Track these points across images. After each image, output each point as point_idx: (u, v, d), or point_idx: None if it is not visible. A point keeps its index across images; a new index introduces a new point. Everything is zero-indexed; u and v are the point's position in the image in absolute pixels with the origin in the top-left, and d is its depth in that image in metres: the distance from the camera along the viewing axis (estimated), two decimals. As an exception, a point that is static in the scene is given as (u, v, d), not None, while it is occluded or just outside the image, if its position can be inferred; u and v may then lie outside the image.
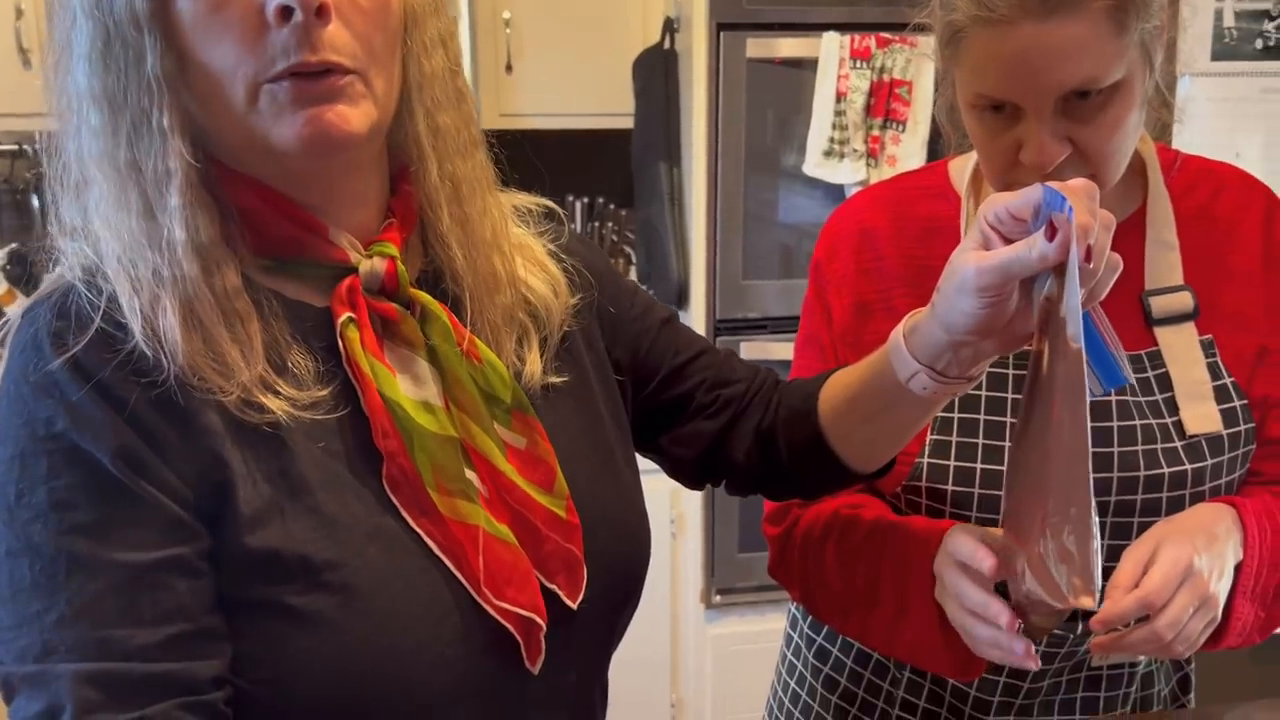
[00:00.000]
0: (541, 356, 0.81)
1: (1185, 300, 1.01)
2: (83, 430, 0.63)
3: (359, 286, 0.73)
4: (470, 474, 0.73)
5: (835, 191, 2.22)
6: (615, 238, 2.60)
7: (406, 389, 0.72)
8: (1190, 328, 1.00)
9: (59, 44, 0.67)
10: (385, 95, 0.70)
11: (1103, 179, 0.90)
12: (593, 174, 2.55)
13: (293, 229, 0.72)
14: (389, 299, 0.74)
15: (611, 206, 2.58)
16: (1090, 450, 0.68)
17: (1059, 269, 0.68)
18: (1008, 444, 0.99)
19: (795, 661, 1.23)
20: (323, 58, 0.65)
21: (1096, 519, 0.69)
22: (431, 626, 0.69)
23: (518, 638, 0.73)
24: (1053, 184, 0.69)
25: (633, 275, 2.47)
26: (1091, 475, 0.68)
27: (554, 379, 0.82)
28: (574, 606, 0.76)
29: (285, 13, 0.63)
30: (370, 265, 0.73)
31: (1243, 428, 1.00)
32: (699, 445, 0.94)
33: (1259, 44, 2.09)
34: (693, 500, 2.34)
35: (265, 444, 0.67)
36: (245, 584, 0.66)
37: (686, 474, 0.98)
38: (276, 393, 0.67)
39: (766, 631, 2.42)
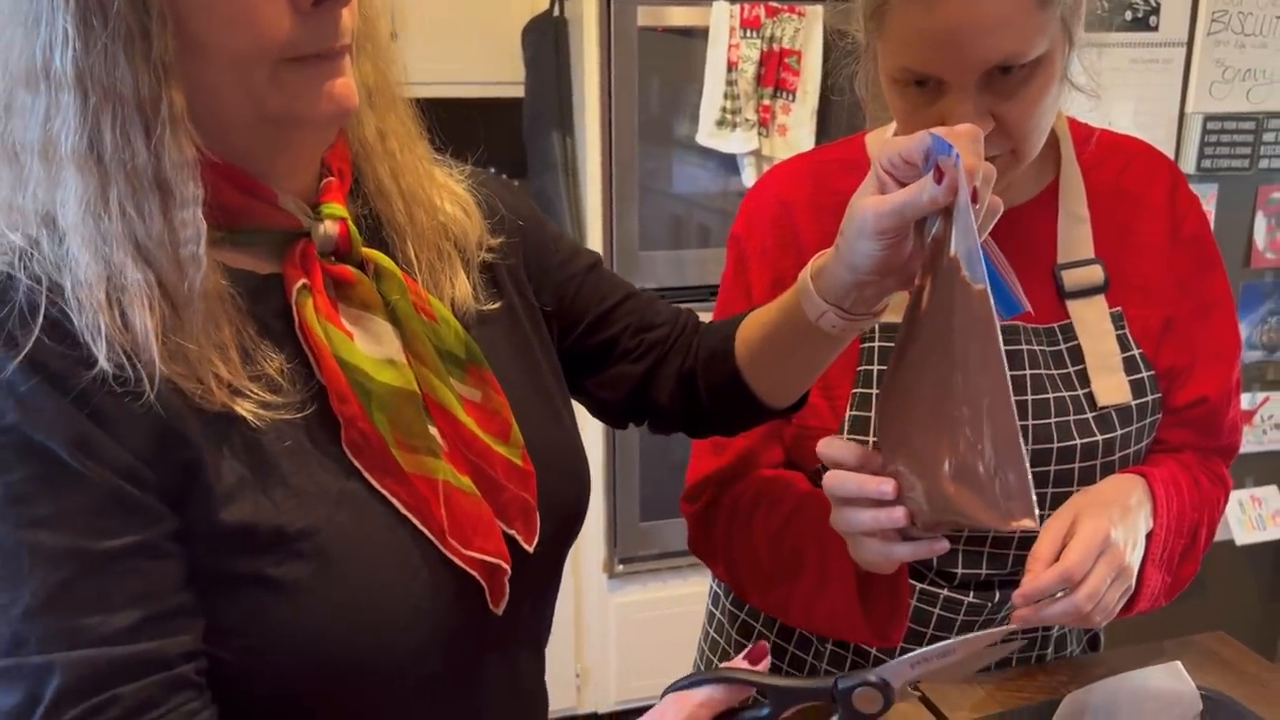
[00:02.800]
0: (468, 279, 0.82)
1: (1096, 273, 1.04)
2: (35, 422, 0.60)
3: (313, 251, 0.72)
4: (432, 429, 0.74)
5: (728, 161, 2.24)
6: (506, 209, 2.57)
7: (366, 348, 0.72)
8: (1101, 300, 1.04)
9: None
10: None
11: (1023, 152, 0.92)
12: (483, 143, 2.50)
13: (241, 198, 0.70)
14: (341, 260, 0.74)
15: (503, 176, 2.53)
16: (1010, 383, 0.70)
17: (947, 210, 0.72)
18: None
19: (718, 638, 1.24)
20: (346, 42, 0.67)
21: (1024, 447, 0.71)
22: (404, 583, 0.71)
23: (483, 583, 0.75)
24: (939, 130, 0.72)
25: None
26: (1014, 406, 0.70)
27: (485, 305, 0.84)
28: (530, 550, 0.79)
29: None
30: (323, 229, 0.73)
31: (1150, 398, 1.04)
32: (624, 388, 0.97)
33: (1128, 15, 2.18)
34: (594, 470, 2.34)
35: (227, 420, 0.66)
36: (221, 558, 0.66)
37: (611, 415, 1.01)
38: (247, 396, 0.66)
39: (669, 598, 2.45)
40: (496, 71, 2.39)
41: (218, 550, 0.66)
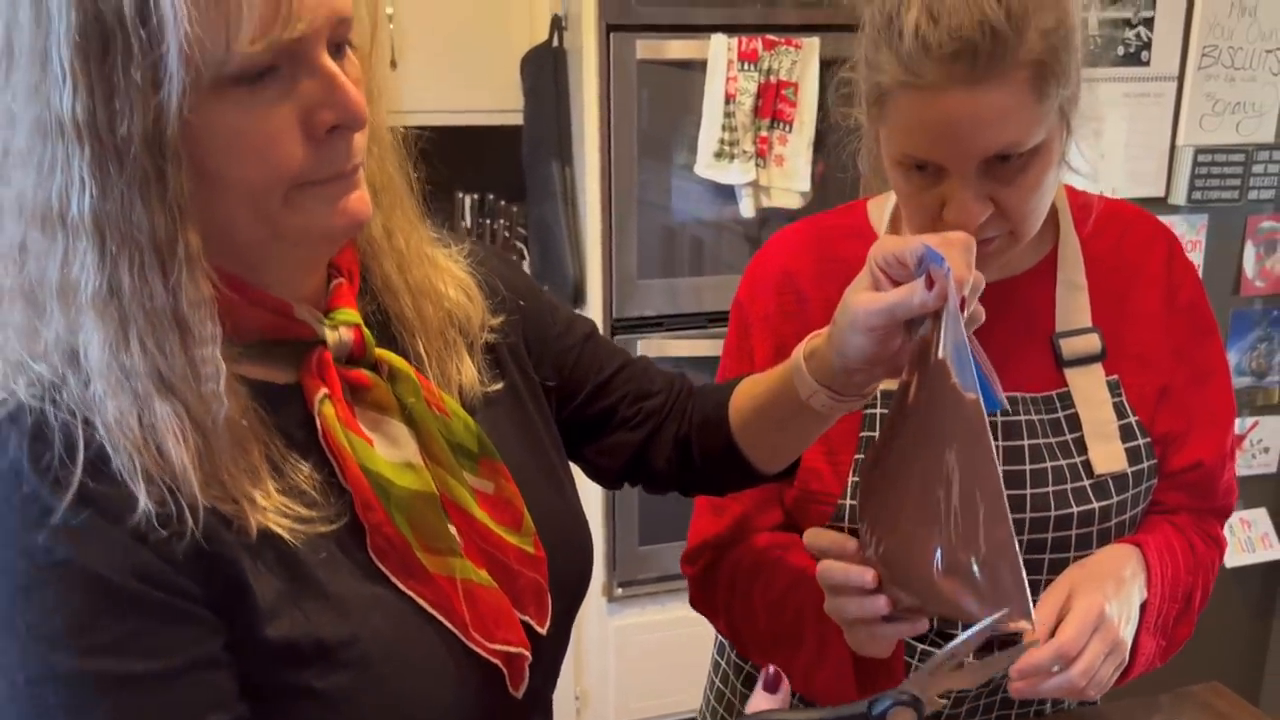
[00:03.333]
0: (473, 362, 0.84)
1: (1093, 342, 1.06)
2: (90, 555, 0.61)
3: (329, 359, 0.73)
4: (450, 527, 0.76)
5: (725, 191, 2.26)
6: (507, 234, 2.58)
7: (384, 452, 0.74)
8: (1098, 369, 1.06)
9: None
10: None
11: (1021, 234, 0.95)
12: (482, 170, 2.52)
13: (261, 314, 0.71)
14: (355, 364, 0.75)
15: (502, 203, 2.55)
16: (1003, 489, 0.74)
17: (936, 313, 0.77)
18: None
19: (724, 689, 1.27)
20: (358, 161, 0.69)
21: (1019, 550, 0.74)
22: (434, 679, 0.73)
23: (504, 671, 0.78)
24: (930, 237, 0.77)
25: (526, 269, 2.46)
26: (1009, 512, 0.74)
27: (490, 387, 0.86)
28: (544, 633, 0.82)
29: (334, 126, 0.65)
30: (338, 337, 0.74)
31: (1146, 464, 1.06)
32: (623, 456, 1.00)
33: (1120, 50, 2.21)
34: (593, 495, 2.36)
35: (264, 537, 0.68)
36: (269, 672, 0.68)
37: (608, 479, 1.04)
38: (283, 514, 0.68)
39: (669, 620, 2.47)
40: (498, 100, 2.41)
41: (265, 666, 0.67)
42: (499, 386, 0.86)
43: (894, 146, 0.93)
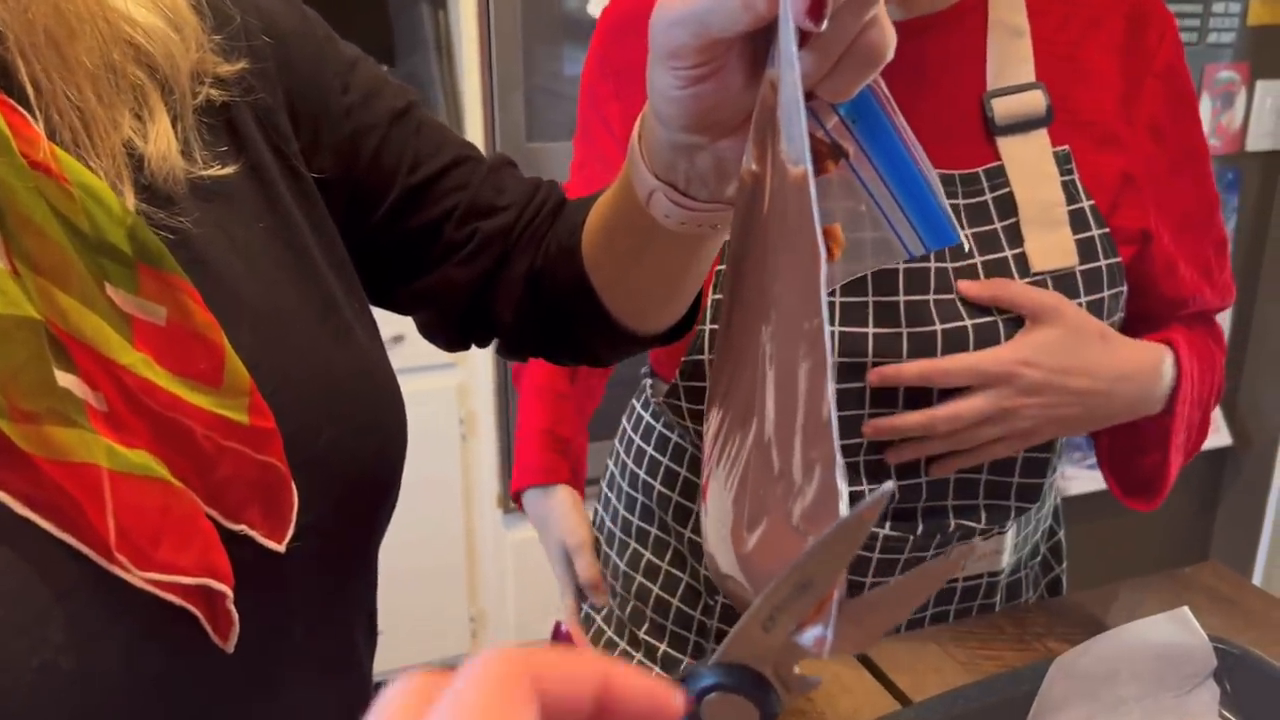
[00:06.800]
0: (176, 130, 0.52)
1: (1036, 101, 0.80)
2: None
3: None
4: (68, 378, 0.44)
5: (625, 37, 1.97)
6: (375, 100, 2.26)
7: None
8: (1042, 136, 0.81)
9: None
10: None
11: None
12: (348, 25, 2.18)
13: None
14: None
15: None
16: (828, 343, 0.34)
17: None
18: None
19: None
20: None
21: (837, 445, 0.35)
22: (28, 633, 0.43)
23: (196, 613, 0.48)
24: None
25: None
26: (830, 387, 0.33)
27: (208, 170, 0.53)
28: (281, 549, 0.51)
29: None
30: None
31: (1103, 263, 0.82)
32: (451, 302, 0.69)
33: None
34: (484, 397, 2.09)
35: None
36: None
37: (440, 335, 0.73)
38: None
39: (571, 532, 2.23)
40: (356, -64, 2.07)
41: None
42: (228, 170, 0.54)
43: None
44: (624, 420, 1.06)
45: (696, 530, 0.93)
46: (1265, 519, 2.47)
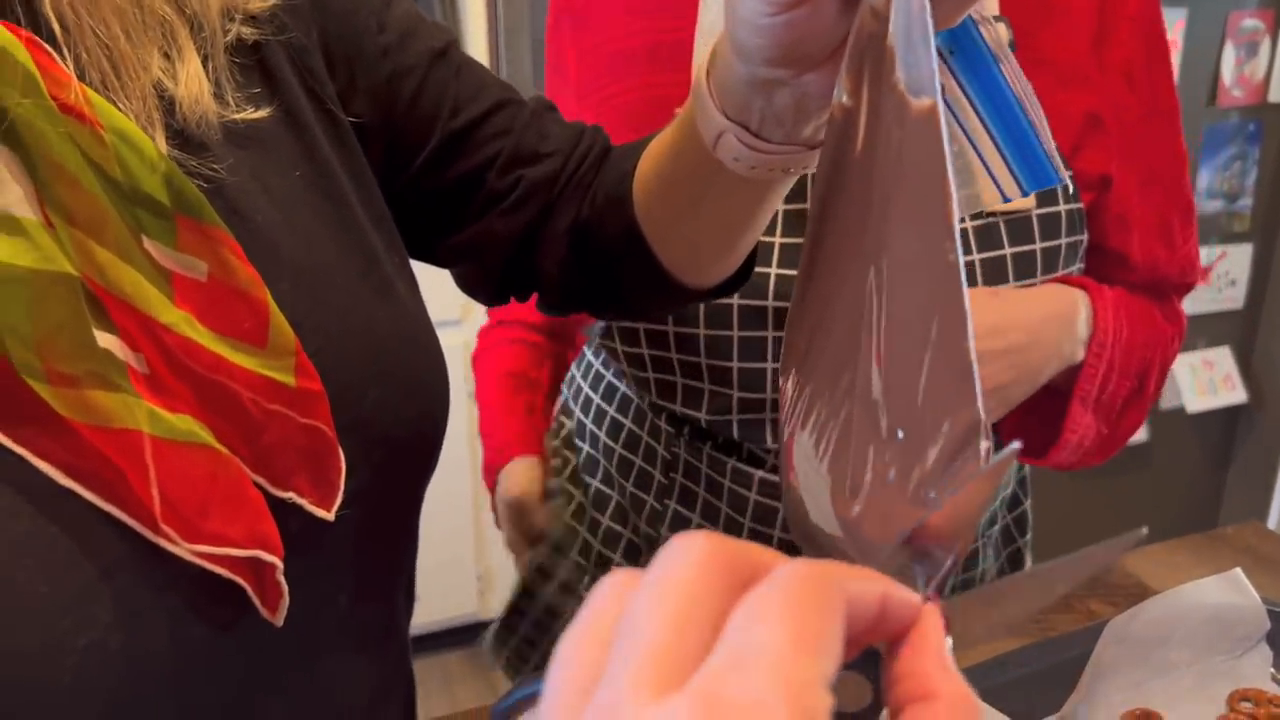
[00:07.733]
0: (208, 71, 0.48)
1: (998, 36, 0.76)
2: None
3: None
4: (108, 338, 0.41)
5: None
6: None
7: None
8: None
9: None
10: None
11: None
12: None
13: None
14: None
15: None
16: (964, 277, 0.33)
17: None
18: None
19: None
20: None
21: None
22: (73, 611, 0.41)
23: (244, 585, 0.45)
24: None
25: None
26: (970, 331, 0.33)
27: (240, 114, 0.49)
28: (330, 517, 0.48)
29: None
30: None
31: (1063, 208, 0.76)
32: (494, 255, 0.65)
33: None
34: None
35: None
36: None
37: (480, 289, 0.69)
38: None
39: (580, 490, 2.21)
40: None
41: None
42: (261, 114, 0.50)
43: None
44: (573, 367, 1.02)
45: (640, 486, 0.90)
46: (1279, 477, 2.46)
